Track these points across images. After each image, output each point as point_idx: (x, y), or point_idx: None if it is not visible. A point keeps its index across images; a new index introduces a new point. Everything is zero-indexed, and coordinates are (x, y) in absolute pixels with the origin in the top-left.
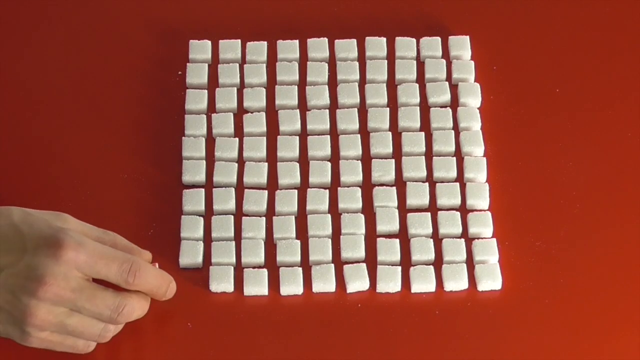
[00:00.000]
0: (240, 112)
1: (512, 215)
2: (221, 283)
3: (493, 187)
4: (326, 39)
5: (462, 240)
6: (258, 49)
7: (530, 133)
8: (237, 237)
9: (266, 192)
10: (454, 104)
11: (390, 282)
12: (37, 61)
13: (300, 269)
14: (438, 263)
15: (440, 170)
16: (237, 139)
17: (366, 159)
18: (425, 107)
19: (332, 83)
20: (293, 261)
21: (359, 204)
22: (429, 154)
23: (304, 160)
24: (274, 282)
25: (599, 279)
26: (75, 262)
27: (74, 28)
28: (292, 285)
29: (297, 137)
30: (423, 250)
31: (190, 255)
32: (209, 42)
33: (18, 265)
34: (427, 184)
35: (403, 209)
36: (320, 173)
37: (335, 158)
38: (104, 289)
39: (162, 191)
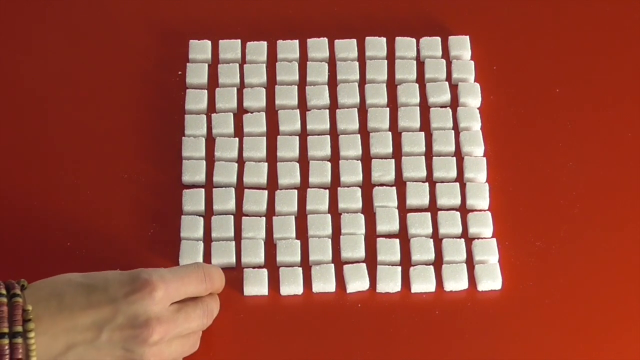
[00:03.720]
0: (240, 112)
1: (512, 215)
2: None
3: (493, 187)
4: (326, 39)
5: (462, 240)
6: (258, 49)
7: (530, 133)
8: (237, 237)
9: (266, 192)
10: (454, 104)
11: (390, 282)
12: (37, 61)
13: (300, 269)
14: (438, 263)
15: (440, 170)
16: (237, 139)
17: (366, 159)
18: (425, 107)
19: (332, 83)
20: (293, 261)
21: (359, 204)
22: (429, 154)
23: (304, 160)
24: (274, 282)
25: (599, 279)
26: (168, 296)
27: (74, 28)
28: (292, 285)
29: (297, 137)
30: (423, 250)
31: (190, 255)
32: (209, 42)
33: (117, 318)
34: (427, 184)
35: (403, 209)
36: (320, 173)
37: (335, 158)
38: (187, 304)
39: (162, 191)
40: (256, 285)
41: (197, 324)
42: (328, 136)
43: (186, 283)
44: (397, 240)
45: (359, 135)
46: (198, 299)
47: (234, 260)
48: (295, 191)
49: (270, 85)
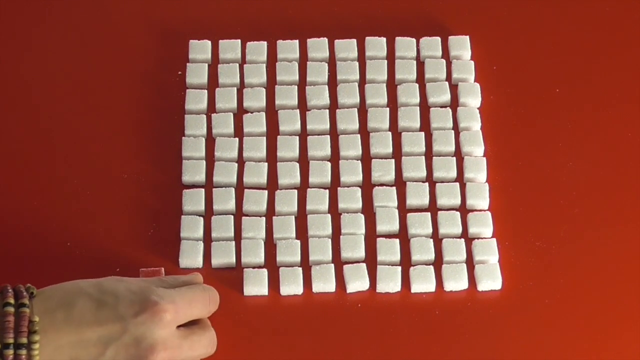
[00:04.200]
0: (240, 112)
1: (512, 215)
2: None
3: (493, 187)
4: (326, 39)
5: (462, 240)
6: (258, 49)
7: (530, 133)
8: (237, 237)
9: (266, 192)
10: (454, 104)
11: (390, 282)
12: (37, 61)
13: (300, 269)
14: (438, 263)
15: (440, 170)
16: (237, 139)
17: (366, 159)
18: (425, 107)
19: (332, 83)
20: (293, 261)
21: (359, 204)
22: (429, 154)
23: (304, 160)
24: (274, 282)
25: (599, 278)
26: (176, 319)
27: (74, 28)
28: (292, 285)
29: (297, 137)
30: (423, 250)
31: (190, 255)
32: (209, 42)
33: (124, 337)
34: (427, 184)
35: (403, 209)
36: (320, 173)
37: (335, 158)
38: (194, 331)
39: (162, 191)
40: (256, 285)
41: (200, 353)
42: (328, 136)
43: (193, 306)
44: (397, 240)
45: (359, 135)
46: (205, 326)
47: (234, 260)
48: (295, 191)
49: (270, 85)
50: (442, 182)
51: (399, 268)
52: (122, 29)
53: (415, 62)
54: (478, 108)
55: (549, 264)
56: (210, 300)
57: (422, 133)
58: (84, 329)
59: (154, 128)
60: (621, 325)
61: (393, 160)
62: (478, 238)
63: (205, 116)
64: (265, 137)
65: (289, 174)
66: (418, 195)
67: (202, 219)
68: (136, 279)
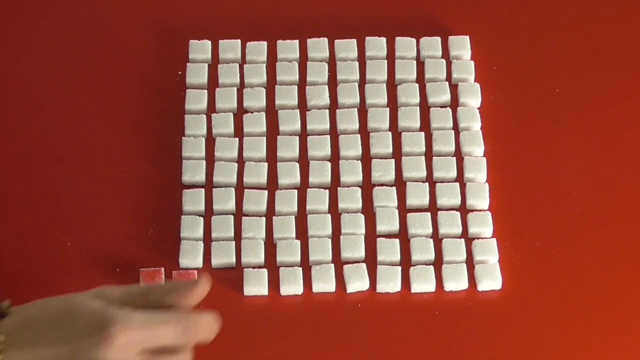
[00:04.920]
0: (240, 112)
1: (512, 215)
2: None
3: (493, 187)
4: (326, 39)
5: (462, 240)
6: (258, 49)
7: (530, 133)
8: (237, 237)
9: (266, 192)
10: (454, 104)
11: (390, 282)
12: (37, 61)
13: (300, 269)
14: (438, 263)
15: (440, 170)
16: (237, 139)
17: (366, 159)
18: (425, 107)
19: (332, 83)
20: (293, 261)
21: (359, 204)
22: (429, 154)
23: (304, 160)
24: (274, 282)
25: (599, 279)
26: (129, 343)
27: (74, 28)
28: (292, 285)
29: (297, 137)
30: (423, 250)
31: (190, 255)
32: (209, 42)
33: (75, 359)
34: (427, 184)
35: (403, 209)
36: (320, 173)
37: (335, 158)
38: (160, 357)
39: (162, 191)
40: (256, 285)
41: None
42: (328, 136)
43: (160, 333)
44: (397, 240)
45: (359, 135)
46: (178, 355)
47: (234, 260)
48: (295, 191)
49: (270, 85)
50: (442, 182)
51: (399, 268)
52: (122, 29)
53: (415, 62)
54: (478, 108)
55: (549, 264)
56: (186, 329)
57: (422, 133)
58: (40, 349)
59: (154, 128)
60: (621, 325)
61: (393, 160)
62: (478, 238)
63: (205, 116)
64: (265, 137)
65: (289, 174)
66: (418, 195)
67: (202, 219)
68: (119, 290)
